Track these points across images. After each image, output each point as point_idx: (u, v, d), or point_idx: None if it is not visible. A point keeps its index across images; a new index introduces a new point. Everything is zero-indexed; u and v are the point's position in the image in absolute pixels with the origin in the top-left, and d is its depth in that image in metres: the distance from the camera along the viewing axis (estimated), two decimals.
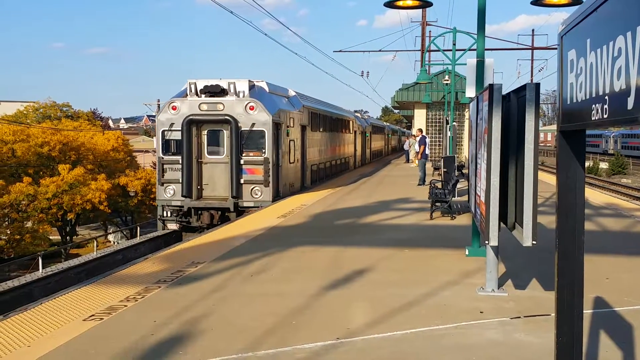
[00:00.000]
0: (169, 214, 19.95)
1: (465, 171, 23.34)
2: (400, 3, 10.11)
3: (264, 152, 19.50)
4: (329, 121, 30.27)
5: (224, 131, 19.61)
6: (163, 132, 19.78)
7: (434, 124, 42.37)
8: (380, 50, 51.08)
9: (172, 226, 19.98)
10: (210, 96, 19.53)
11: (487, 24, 10.44)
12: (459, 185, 18.42)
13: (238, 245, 11.81)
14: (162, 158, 19.89)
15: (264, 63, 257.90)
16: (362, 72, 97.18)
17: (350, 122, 37.53)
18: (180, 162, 19.34)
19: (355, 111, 46.61)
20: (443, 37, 37.64)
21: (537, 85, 6.50)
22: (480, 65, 10.61)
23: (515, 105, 7.17)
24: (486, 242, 7.36)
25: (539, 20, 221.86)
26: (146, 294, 8.15)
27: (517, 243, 6.96)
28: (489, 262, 8.13)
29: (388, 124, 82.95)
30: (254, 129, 19.41)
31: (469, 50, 24.12)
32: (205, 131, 19.84)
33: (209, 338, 6.43)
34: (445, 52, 26.32)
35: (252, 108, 19.30)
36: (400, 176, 29.75)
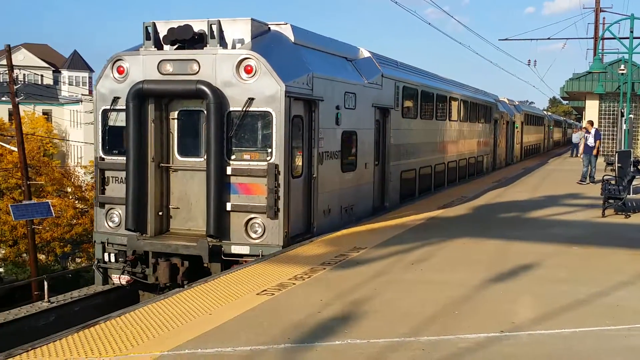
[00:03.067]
0: (113, 258, 11.34)
1: None
2: None
3: (270, 153, 10.47)
4: (444, 104, 20.91)
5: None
6: (104, 112, 11.27)
7: (606, 116, 39.58)
8: (549, 38, 48.73)
9: (122, 280, 11.23)
10: (180, 48, 10.96)
11: None
12: (634, 182, 17.13)
13: (398, 233, 11.96)
14: (103, 159, 11.38)
15: (425, 53, 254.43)
16: (529, 61, 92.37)
17: (489, 109, 27.89)
18: (126, 167, 10.85)
19: (521, 102, 44.04)
20: (618, 25, 35.00)
21: None
22: None
23: None
24: None
25: None
26: (312, 274, 8.58)
27: None
28: None
29: (549, 113, 75.14)
30: (250, 109, 10.39)
31: None
32: (176, 112, 11.11)
33: (372, 320, 6.65)
34: (621, 40, 24.50)
35: (249, 69, 10.40)
36: (568, 171, 28.19)
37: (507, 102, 35.03)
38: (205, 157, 10.62)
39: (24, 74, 55.76)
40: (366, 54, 14.89)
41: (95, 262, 11.63)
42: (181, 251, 10.47)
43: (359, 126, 13.67)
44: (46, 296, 11.78)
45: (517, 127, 36.24)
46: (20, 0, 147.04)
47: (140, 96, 10.68)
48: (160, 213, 11.06)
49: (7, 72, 26.86)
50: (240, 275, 8.51)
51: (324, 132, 11.91)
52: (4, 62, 28.56)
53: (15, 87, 25.88)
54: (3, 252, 36.94)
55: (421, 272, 8.86)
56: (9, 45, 26.19)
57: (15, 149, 27.13)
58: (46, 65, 70.60)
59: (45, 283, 12.06)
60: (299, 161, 11.28)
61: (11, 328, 11.82)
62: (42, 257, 30.53)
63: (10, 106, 28.37)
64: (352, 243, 10.83)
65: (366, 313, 6.86)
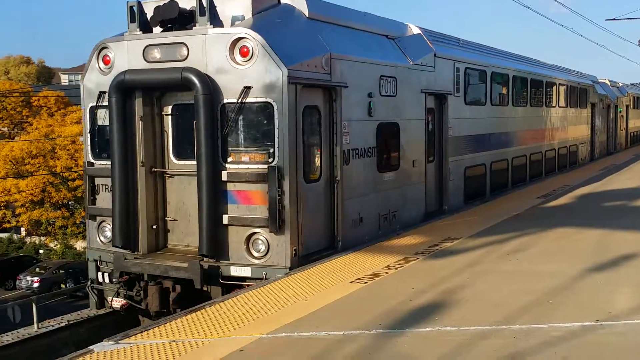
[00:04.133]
0: (107, 278, 9.92)
1: None
2: None
3: (272, 154, 8.78)
4: (523, 87, 18.27)
5: None
6: (92, 110, 9.97)
7: None
8: None
9: (116, 303, 9.71)
10: (168, 29, 9.36)
11: None
12: None
13: (494, 223, 11.83)
14: (92, 164, 10.07)
15: (524, 39, 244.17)
16: None
17: (584, 92, 24.68)
18: (110, 174, 9.41)
19: (630, 84, 41.29)
20: None
21: None
22: None
23: None
24: None
25: None
26: (405, 263, 8.72)
27: None
28: None
29: None
30: (248, 100, 8.75)
31: None
32: (170, 107, 9.66)
33: (464, 309, 6.72)
34: None
35: (245, 52, 8.74)
36: None
37: (609, 83, 31.44)
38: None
39: None
40: (415, 31, 12.71)
41: (89, 283, 10.19)
42: (171, 273, 8.96)
43: (402, 116, 11.54)
44: None
45: (620, 111, 32.72)
46: (115, 6, 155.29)
47: (123, 89, 9.22)
48: (154, 226, 9.55)
49: None
50: (334, 264, 8.79)
51: (351, 125, 9.97)
52: None
53: None
54: None
55: (516, 263, 8.78)
56: None
57: None
58: None
59: None
60: (316, 162, 9.47)
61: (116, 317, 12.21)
62: None
63: None
64: (447, 233, 10.84)
65: (458, 302, 6.94)
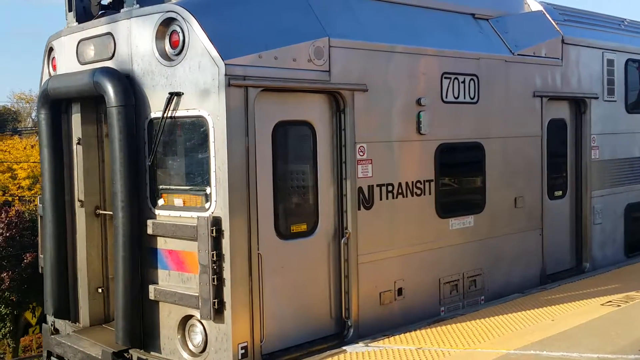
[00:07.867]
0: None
1: None
2: None
3: (208, 197, 5.97)
4: None
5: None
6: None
7: None
8: None
9: None
10: (102, 15, 7.11)
11: None
12: None
13: None
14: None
15: None
16: None
17: None
18: (42, 217, 7.43)
19: None
20: None
21: None
22: None
23: None
24: None
25: None
26: None
27: None
28: None
29: None
30: (178, 113, 6.06)
31: None
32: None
33: None
34: None
35: (175, 41, 6.06)
36: None
37: None
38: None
39: None
40: (535, 7, 9.21)
41: (45, 355, 7.55)
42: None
43: (490, 133, 8.09)
44: None
45: None
46: None
47: (51, 102, 7.04)
48: (100, 289, 7.23)
49: None
50: (580, 285, 8.42)
51: (377, 148, 6.91)
52: None
53: None
54: None
55: None
56: None
57: None
58: None
59: None
60: (306, 205, 6.58)
61: None
62: None
63: None
64: None
65: None
